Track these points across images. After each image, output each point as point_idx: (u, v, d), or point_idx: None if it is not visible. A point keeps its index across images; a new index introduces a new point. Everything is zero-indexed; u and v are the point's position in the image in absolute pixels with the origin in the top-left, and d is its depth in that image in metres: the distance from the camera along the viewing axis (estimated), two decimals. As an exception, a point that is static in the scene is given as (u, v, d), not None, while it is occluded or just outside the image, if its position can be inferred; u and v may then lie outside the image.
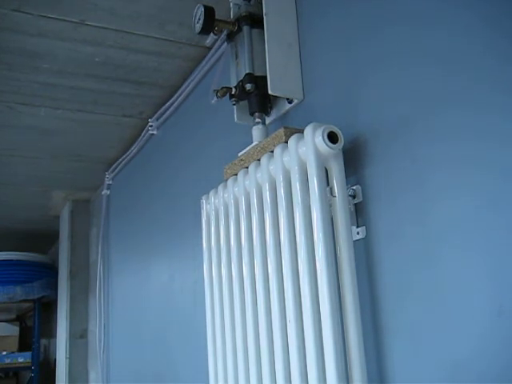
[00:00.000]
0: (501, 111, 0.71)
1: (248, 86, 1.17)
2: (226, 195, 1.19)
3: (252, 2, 1.25)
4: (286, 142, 0.99)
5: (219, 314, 1.18)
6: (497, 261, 0.71)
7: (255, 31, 1.22)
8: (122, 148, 2.39)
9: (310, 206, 0.92)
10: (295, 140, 0.96)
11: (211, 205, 1.25)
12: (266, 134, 1.18)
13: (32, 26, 1.47)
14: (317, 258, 0.89)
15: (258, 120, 1.19)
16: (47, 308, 3.92)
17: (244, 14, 1.22)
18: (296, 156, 0.95)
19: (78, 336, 2.96)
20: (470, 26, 0.77)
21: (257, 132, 1.18)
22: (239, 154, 1.19)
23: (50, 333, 4.00)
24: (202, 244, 1.28)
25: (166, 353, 1.84)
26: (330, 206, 0.93)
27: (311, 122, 0.94)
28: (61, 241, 3.28)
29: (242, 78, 1.19)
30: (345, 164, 0.95)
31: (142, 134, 2.13)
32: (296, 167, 0.95)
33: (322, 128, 0.91)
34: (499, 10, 0.73)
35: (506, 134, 0.70)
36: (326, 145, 0.90)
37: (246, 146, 1.17)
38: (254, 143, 1.16)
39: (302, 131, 0.96)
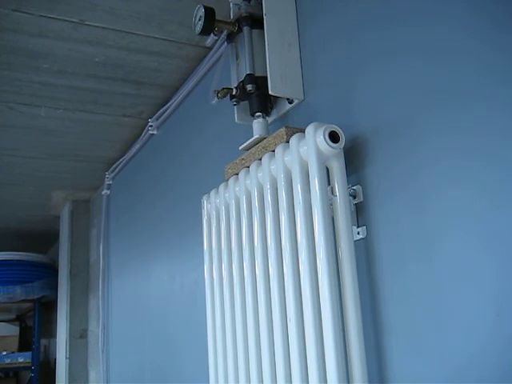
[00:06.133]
0: (501, 105, 0.71)
1: (249, 87, 1.17)
2: (226, 195, 1.19)
3: (252, 3, 1.25)
4: (287, 142, 0.99)
5: (220, 313, 1.18)
6: (497, 260, 0.71)
7: (255, 31, 1.22)
8: (121, 148, 2.39)
9: (310, 205, 0.92)
10: (296, 139, 0.96)
11: (212, 204, 1.25)
12: (267, 127, 1.18)
13: (32, 25, 1.47)
14: (317, 258, 0.89)
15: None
16: (47, 308, 3.92)
17: (244, 14, 1.22)
18: (297, 155, 0.95)
19: (78, 336, 2.97)
20: (469, 21, 0.77)
21: (257, 126, 1.18)
22: (240, 148, 1.19)
23: (50, 333, 4.00)
24: (202, 243, 1.29)
25: (167, 352, 1.84)
26: (331, 205, 0.93)
27: (312, 122, 0.94)
28: (61, 241, 3.28)
29: (242, 78, 1.19)
30: (345, 163, 0.95)
31: (142, 134, 2.13)
32: (297, 166, 0.95)
33: (324, 127, 0.92)
34: (498, 4, 0.73)
35: (506, 128, 0.70)
36: (328, 144, 0.91)
37: (247, 147, 1.17)
38: (254, 136, 1.16)
39: (303, 131, 0.97)
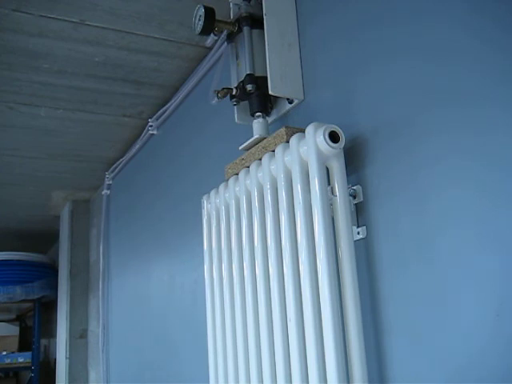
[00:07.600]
0: (501, 105, 0.71)
1: (249, 87, 1.17)
2: (226, 195, 1.19)
3: (252, 3, 1.25)
4: (288, 142, 0.99)
5: (220, 313, 1.18)
6: (497, 260, 0.71)
7: (255, 31, 1.22)
8: (121, 148, 2.39)
9: (310, 205, 0.92)
10: (296, 139, 0.96)
11: (212, 204, 1.25)
12: (267, 127, 1.18)
13: (32, 25, 1.47)
14: (317, 258, 0.89)
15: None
16: (47, 308, 3.92)
17: (244, 14, 1.22)
18: (297, 155, 0.95)
19: (78, 336, 2.97)
20: (469, 20, 0.77)
21: (257, 126, 1.18)
22: (240, 148, 1.19)
23: (50, 333, 4.00)
24: (202, 243, 1.29)
25: (167, 352, 1.84)
26: (331, 205, 0.93)
27: (312, 122, 0.94)
28: (61, 241, 3.28)
29: (242, 78, 1.19)
30: (345, 163, 0.95)
31: (142, 134, 2.13)
32: (297, 166, 0.95)
33: (324, 127, 0.92)
34: (499, 4, 0.73)
35: (506, 128, 0.70)
36: (328, 144, 0.91)
37: (247, 146, 1.17)
38: (254, 136, 1.16)
39: (303, 131, 0.97)
